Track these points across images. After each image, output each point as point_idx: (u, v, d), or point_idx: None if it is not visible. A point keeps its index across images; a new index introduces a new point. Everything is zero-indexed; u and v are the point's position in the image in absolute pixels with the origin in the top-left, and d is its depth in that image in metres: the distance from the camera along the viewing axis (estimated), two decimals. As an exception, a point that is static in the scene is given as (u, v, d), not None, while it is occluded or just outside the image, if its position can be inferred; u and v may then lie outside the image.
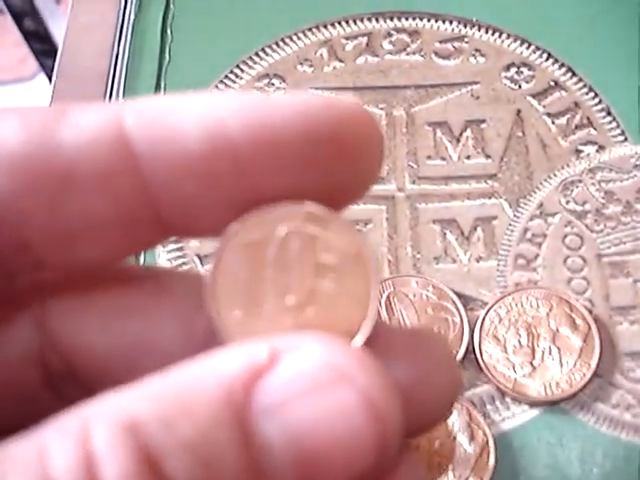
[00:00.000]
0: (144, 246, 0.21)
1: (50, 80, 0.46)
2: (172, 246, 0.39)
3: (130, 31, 0.46)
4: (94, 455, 0.14)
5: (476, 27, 0.45)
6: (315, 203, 0.19)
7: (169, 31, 0.46)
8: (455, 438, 0.34)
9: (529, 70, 0.43)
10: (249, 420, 0.15)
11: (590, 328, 0.36)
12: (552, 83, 0.43)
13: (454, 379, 0.20)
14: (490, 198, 0.40)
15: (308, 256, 0.19)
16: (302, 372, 0.16)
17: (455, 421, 0.34)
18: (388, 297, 0.37)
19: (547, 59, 0.43)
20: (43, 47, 1.10)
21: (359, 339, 0.19)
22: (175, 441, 0.15)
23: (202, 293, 0.20)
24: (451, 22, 0.45)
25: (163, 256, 0.39)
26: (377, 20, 0.46)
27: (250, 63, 0.44)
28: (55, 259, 0.20)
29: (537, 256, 0.38)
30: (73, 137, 0.18)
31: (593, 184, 0.39)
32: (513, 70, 0.43)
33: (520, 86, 0.43)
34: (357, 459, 0.16)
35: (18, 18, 1.08)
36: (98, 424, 0.15)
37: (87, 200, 0.18)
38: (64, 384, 0.21)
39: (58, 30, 1.03)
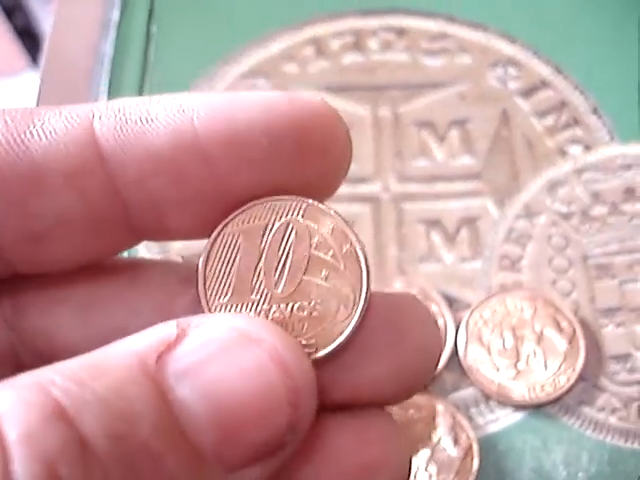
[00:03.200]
0: (116, 248, 0.21)
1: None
2: (156, 249, 0.39)
3: (115, 27, 0.46)
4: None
5: (462, 25, 0.44)
6: (312, 199, 0.19)
7: (154, 28, 0.45)
8: (438, 441, 0.34)
9: (515, 69, 0.43)
10: (163, 383, 0.16)
11: (575, 330, 0.35)
12: (538, 82, 0.42)
13: (434, 333, 0.20)
14: (475, 198, 0.39)
15: (301, 249, 0.19)
16: (209, 339, 0.17)
17: (439, 425, 0.34)
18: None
19: (534, 58, 0.43)
20: (33, 43, 1.10)
21: (342, 338, 0.19)
22: (88, 396, 0.15)
23: (180, 284, 0.20)
24: (437, 20, 0.44)
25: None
26: (364, 18, 0.45)
27: (235, 61, 0.44)
28: (24, 259, 0.20)
29: (522, 257, 0.38)
30: (41, 138, 0.18)
31: (579, 184, 0.39)
32: (499, 69, 0.43)
33: (506, 85, 0.42)
34: (273, 413, 0.16)
35: (8, 14, 1.08)
36: (4, 390, 0.15)
37: (55, 199, 0.19)
38: None
39: (48, 26, 1.03)
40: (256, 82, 0.43)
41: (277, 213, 0.19)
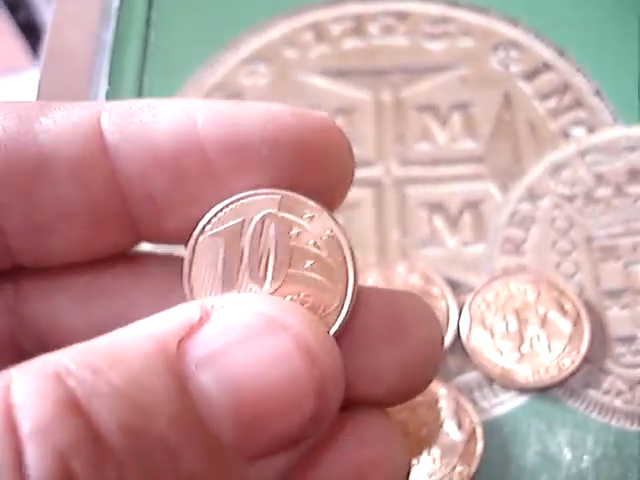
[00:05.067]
0: (115, 246, 0.21)
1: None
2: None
3: (115, 15, 0.46)
4: (13, 407, 0.14)
5: (464, 8, 0.44)
6: (289, 190, 0.19)
7: (154, 15, 0.45)
8: (441, 425, 0.34)
9: (517, 52, 0.42)
10: (183, 371, 0.16)
11: (579, 313, 0.35)
12: (540, 65, 0.42)
13: (434, 331, 0.20)
14: (478, 182, 0.39)
15: (284, 242, 0.19)
16: (234, 323, 0.16)
17: (443, 408, 0.34)
18: (374, 284, 0.36)
19: (535, 40, 0.43)
20: (37, 39, 1.10)
21: (335, 327, 0.19)
22: (104, 386, 0.15)
23: (179, 275, 0.20)
24: (438, 3, 0.44)
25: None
26: (364, 2, 0.45)
27: (235, 47, 0.44)
28: (26, 248, 0.20)
29: (525, 240, 0.37)
30: (50, 130, 0.19)
31: (583, 167, 0.39)
32: (501, 52, 0.42)
33: (508, 68, 0.42)
34: (297, 404, 0.16)
35: (12, 10, 1.08)
36: (21, 377, 0.15)
37: (59, 190, 0.19)
38: None
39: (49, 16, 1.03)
40: (256, 68, 0.43)
41: (252, 209, 0.19)
